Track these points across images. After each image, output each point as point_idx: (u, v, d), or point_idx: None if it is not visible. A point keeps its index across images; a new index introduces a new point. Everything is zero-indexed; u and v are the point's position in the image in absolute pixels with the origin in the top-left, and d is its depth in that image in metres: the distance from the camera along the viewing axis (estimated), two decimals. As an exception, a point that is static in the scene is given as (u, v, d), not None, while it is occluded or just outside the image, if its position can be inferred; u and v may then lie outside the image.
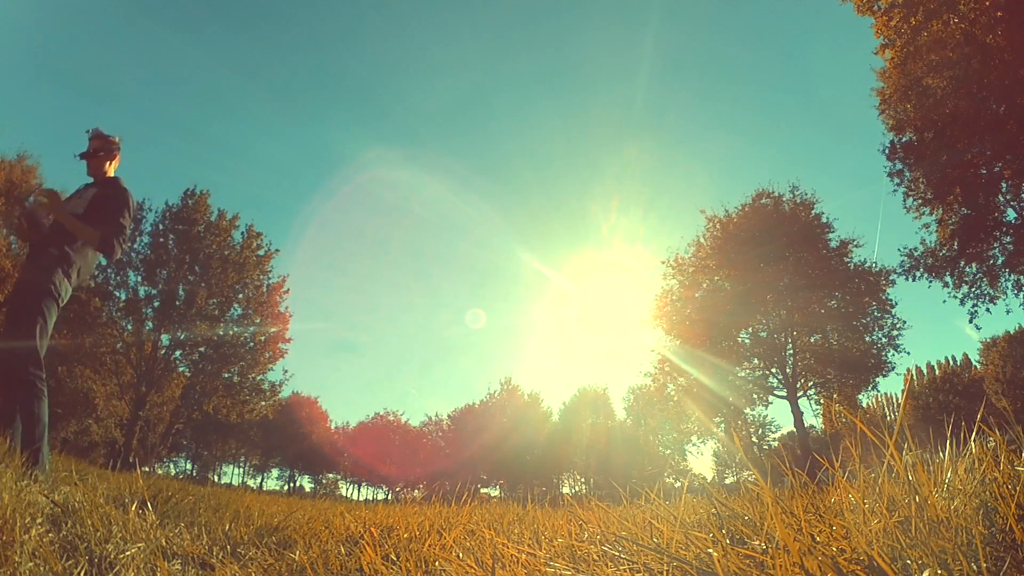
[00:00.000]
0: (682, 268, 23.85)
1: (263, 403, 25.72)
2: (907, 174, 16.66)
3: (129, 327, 23.82)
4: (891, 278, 20.87)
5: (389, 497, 64.20)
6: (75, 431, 31.53)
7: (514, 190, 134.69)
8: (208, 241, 24.64)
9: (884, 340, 21.34)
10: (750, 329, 23.29)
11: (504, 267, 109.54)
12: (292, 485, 59.93)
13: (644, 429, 51.02)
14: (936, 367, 50.09)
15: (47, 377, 3.36)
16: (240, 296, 25.16)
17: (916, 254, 17.38)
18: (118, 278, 23.98)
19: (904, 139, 16.57)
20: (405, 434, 60.36)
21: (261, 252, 25.71)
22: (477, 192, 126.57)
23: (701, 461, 52.36)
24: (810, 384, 22.81)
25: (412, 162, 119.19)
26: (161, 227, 24.89)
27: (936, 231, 16.83)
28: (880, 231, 46.40)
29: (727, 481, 53.53)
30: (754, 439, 45.84)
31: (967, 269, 16.68)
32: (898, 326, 21.29)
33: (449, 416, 59.40)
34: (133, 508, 2.27)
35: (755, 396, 23.83)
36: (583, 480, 61.28)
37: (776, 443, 47.62)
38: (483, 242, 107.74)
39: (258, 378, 25.34)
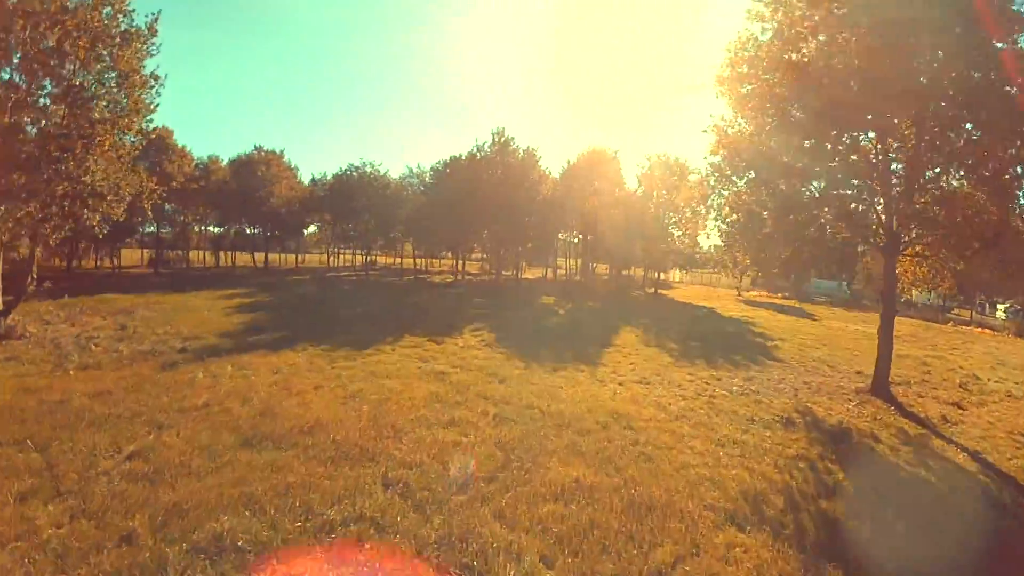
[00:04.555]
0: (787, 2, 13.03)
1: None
2: None
3: None
4: None
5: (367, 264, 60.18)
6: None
7: None
8: None
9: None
10: (868, 136, 13.78)
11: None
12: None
13: (655, 202, 43.69)
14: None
15: None
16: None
17: None
18: None
19: None
20: (384, 187, 53.25)
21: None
22: None
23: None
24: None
25: None
26: None
27: None
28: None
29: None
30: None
31: None
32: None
33: (432, 169, 51.57)
34: None
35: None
36: (579, 236, 56.75)
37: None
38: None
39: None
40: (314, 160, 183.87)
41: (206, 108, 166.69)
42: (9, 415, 7.91)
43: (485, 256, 59.11)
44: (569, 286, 46.38)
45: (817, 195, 14.55)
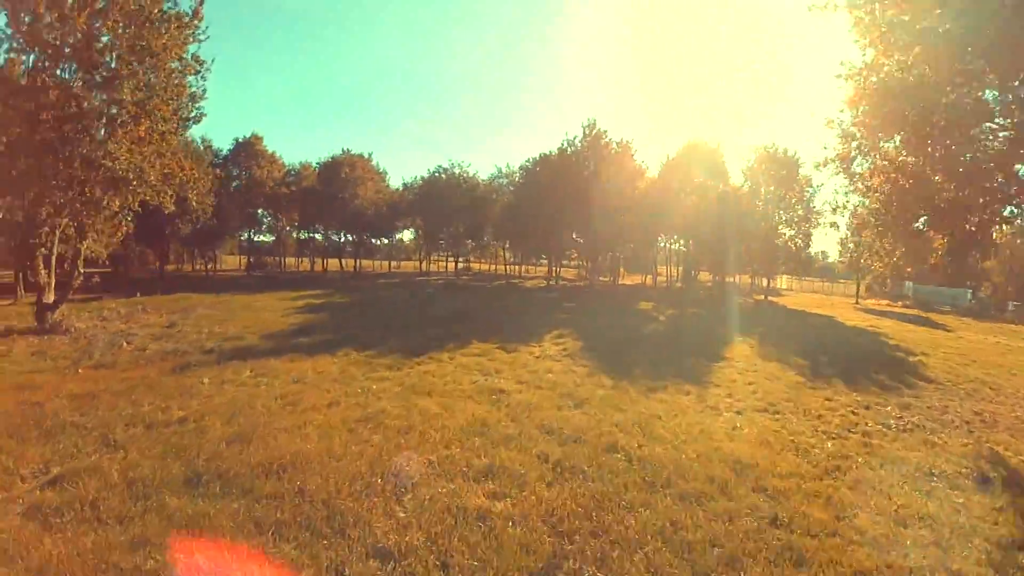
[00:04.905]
0: None
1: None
2: None
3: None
4: None
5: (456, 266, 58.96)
6: None
7: None
8: None
9: None
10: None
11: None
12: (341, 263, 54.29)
13: (763, 199, 38.65)
14: None
15: None
16: None
17: None
18: None
19: None
20: (472, 188, 51.97)
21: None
22: None
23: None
24: None
25: None
26: None
27: None
28: None
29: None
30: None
31: None
32: None
33: (520, 168, 49.42)
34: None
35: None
36: (680, 242, 52.09)
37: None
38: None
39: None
40: (415, 167, 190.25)
41: (303, 118, 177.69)
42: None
43: (582, 262, 56.19)
44: (670, 292, 42.17)
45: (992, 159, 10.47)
